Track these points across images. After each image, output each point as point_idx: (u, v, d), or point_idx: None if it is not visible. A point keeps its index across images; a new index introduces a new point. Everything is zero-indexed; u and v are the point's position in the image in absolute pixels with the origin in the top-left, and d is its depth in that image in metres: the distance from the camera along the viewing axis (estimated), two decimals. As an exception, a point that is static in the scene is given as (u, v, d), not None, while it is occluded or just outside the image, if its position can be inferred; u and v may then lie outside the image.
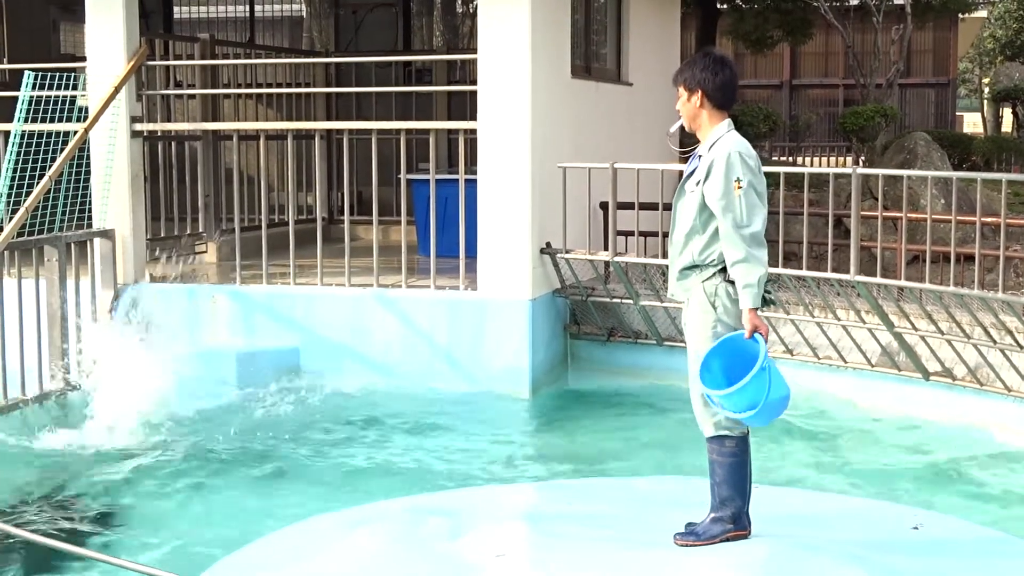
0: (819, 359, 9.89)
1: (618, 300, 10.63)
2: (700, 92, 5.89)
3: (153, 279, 10.99)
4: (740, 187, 5.71)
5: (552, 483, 7.95)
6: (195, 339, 10.44)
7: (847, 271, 9.36)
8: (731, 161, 5.75)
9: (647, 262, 10.56)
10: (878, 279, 9.39)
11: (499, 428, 9.44)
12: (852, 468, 8.41)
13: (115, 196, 10.76)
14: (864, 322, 9.59)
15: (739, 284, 5.73)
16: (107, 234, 10.64)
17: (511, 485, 7.91)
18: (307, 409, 9.66)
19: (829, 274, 9.57)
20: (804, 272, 9.76)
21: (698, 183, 5.85)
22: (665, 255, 11.01)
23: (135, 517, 7.30)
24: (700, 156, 5.93)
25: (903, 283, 9.40)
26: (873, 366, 9.66)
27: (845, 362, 9.77)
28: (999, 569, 5.80)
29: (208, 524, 7.12)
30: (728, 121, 5.94)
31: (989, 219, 9.73)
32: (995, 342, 8.84)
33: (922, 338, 9.32)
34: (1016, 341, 8.74)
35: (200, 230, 12.51)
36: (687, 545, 5.94)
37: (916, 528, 6.37)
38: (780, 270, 9.95)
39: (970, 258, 9.49)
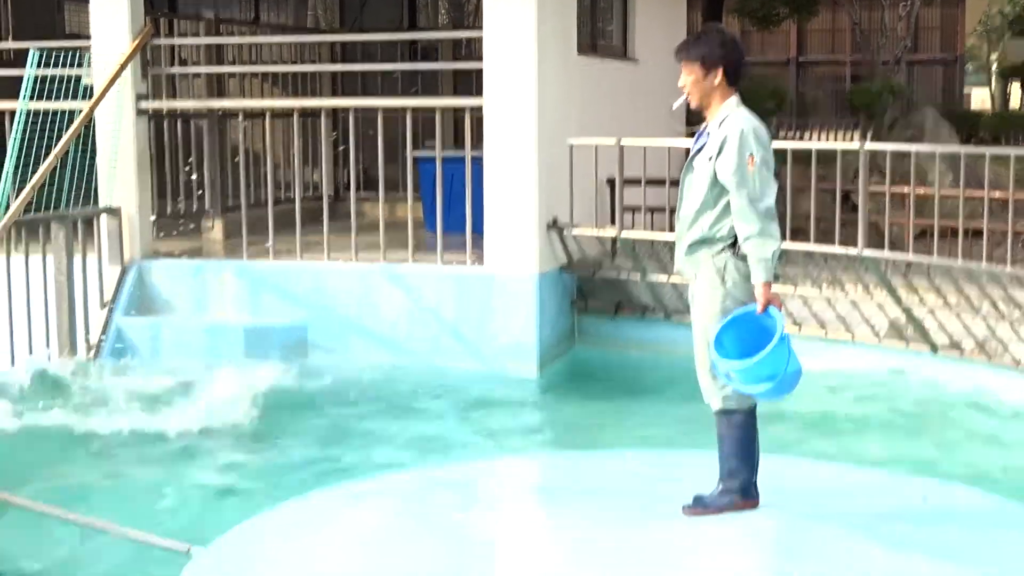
0: (827, 333, 9.87)
1: (625, 275, 10.62)
2: (720, 69, 5.84)
3: (159, 256, 10.98)
4: (754, 162, 5.69)
5: (559, 456, 7.95)
6: (202, 315, 10.44)
7: (855, 246, 9.35)
8: (744, 136, 5.73)
9: (654, 237, 10.54)
10: (886, 253, 9.37)
11: (506, 402, 9.44)
12: (861, 440, 8.40)
13: (121, 174, 10.75)
14: (872, 296, 9.57)
15: (753, 258, 5.71)
16: (114, 212, 10.64)
17: (518, 457, 7.92)
18: (314, 384, 9.65)
19: (837, 248, 9.54)
20: (812, 246, 9.75)
21: (710, 158, 5.82)
22: (672, 230, 11.02)
23: (132, 490, 7.29)
24: (709, 132, 5.90)
25: (911, 257, 9.39)
26: (881, 340, 9.65)
27: (853, 337, 9.76)
28: (1008, 538, 5.80)
29: (215, 498, 7.12)
30: (737, 97, 5.91)
31: (997, 194, 9.70)
32: (1003, 316, 8.83)
33: (930, 312, 9.31)
34: (1025, 314, 8.73)
35: (206, 207, 12.50)
36: (696, 515, 5.94)
37: (924, 499, 6.36)
38: (788, 244, 9.92)
39: (978, 233, 9.46)
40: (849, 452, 8.07)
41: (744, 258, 5.78)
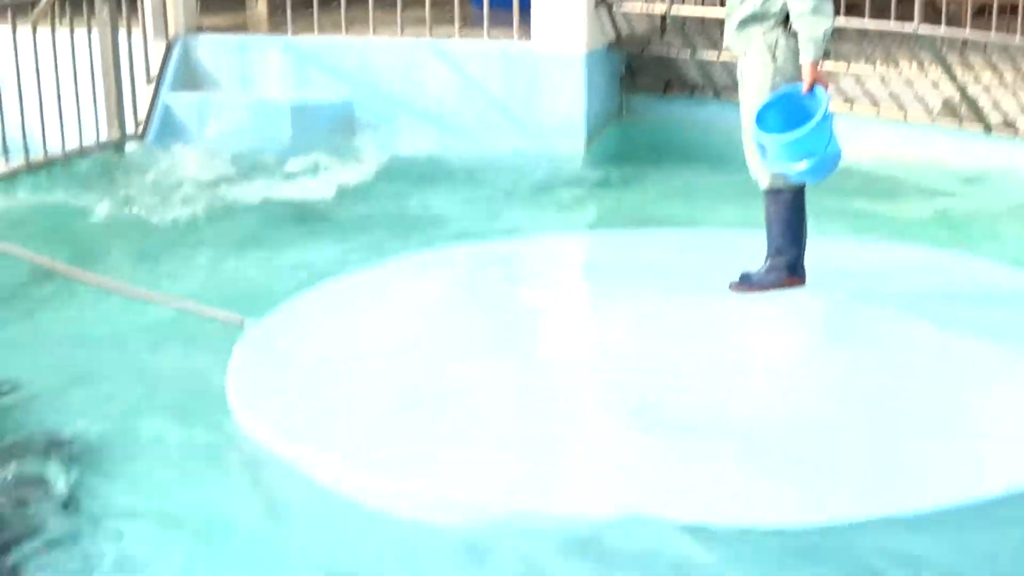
0: (879, 112, 9.73)
1: (675, 53, 10.45)
2: None
3: (203, 30, 10.88)
4: None
5: (607, 233, 7.99)
6: (248, 91, 10.40)
7: (911, 21, 9.13)
8: None
9: (705, 14, 10.31)
10: (942, 30, 9.16)
11: (554, 181, 9.43)
12: (912, 220, 8.36)
13: (164, -55, 10.57)
14: (926, 74, 9.40)
15: (804, 36, 5.62)
16: (157, -15, 10.51)
17: (567, 234, 7.96)
18: (362, 164, 9.67)
19: (892, 24, 9.33)
20: (867, 23, 9.53)
21: None
22: (723, 5, 10.79)
23: (186, 263, 7.40)
24: None
25: (968, 34, 9.18)
26: (934, 119, 9.51)
27: (906, 115, 9.61)
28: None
29: (269, 271, 7.21)
30: None
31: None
32: (1060, 94, 8.68)
33: (985, 90, 9.14)
34: (1082, 93, 8.57)
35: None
36: (742, 291, 5.98)
37: (973, 279, 6.37)
38: (842, 21, 9.71)
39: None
40: (898, 231, 8.05)
41: (796, 35, 5.68)
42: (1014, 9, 9.40)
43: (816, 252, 6.12)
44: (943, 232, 8.02)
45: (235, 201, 8.66)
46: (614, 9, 10.29)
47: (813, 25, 5.60)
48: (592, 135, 10.11)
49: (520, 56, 10.12)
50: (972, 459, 4.40)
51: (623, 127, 10.69)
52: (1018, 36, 8.76)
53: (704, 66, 10.31)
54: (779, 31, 5.76)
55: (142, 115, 10.13)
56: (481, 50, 10.20)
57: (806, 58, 5.63)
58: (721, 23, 10.11)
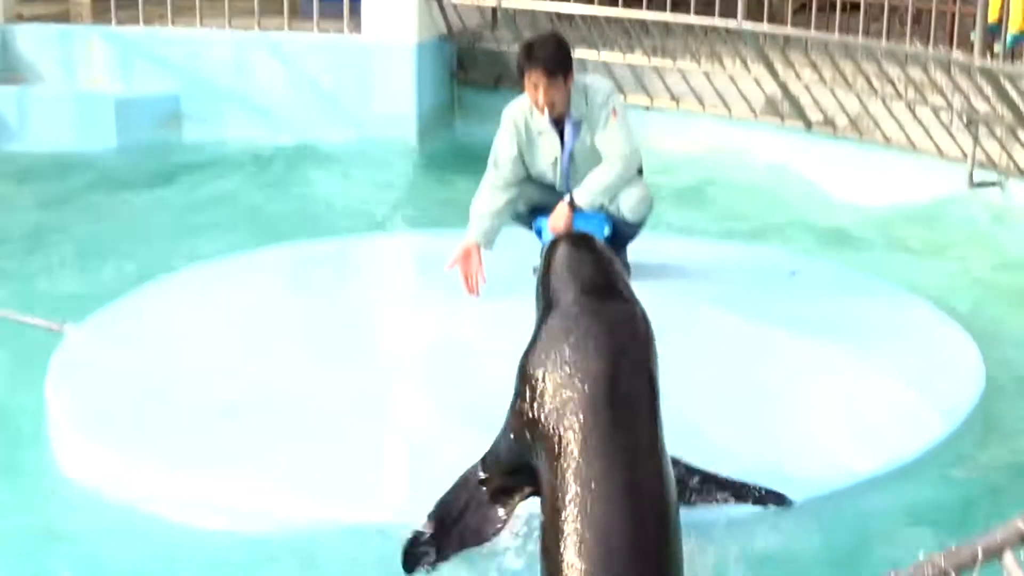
0: (705, 108, 9.92)
1: (505, 47, 10.49)
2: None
3: (23, 19, 10.56)
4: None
5: (437, 232, 7.98)
6: (71, 84, 10.14)
7: (735, 18, 9.34)
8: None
9: (534, 7, 10.39)
10: (765, 27, 9.38)
11: (385, 175, 9.41)
12: (730, 217, 8.56)
13: (-21, -71, 10.23)
14: (750, 71, 9.61)
15: (597, 179, 5.91)
16: (-28, -29, 10.16)
17: (397, 233, 7.95)
18: (188, 157, 9.52)
19: (716, 20, 9.53)
20: (692, 19, 9.72)
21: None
22: (553, 1, 10.88)
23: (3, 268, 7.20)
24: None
25: (789, 31, 9.41)
26: (757, 116, 9.74)
27: (730, 112, 9.83)
28: (871, 312, 6.01)
29: (83, 271, 7.04)
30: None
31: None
32: (876, 91, 8.94)
33: (806, 87, 9.39)
34: (896, 91, 8.85)
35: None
36: None
37: (793, 273, 6.54)
38: (668, 16, 9.89)
39: (856, 6, 9.50)
40: (717, 228, 8.23)
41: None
42: (833, 6, 9.68)
43: (637, 247, 6.21)
44: (769, 230, 8.24)
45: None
46: (444, 1, 10.29)
47: (615, 179, 5.83)
48: (424, 128, 10.11)
49: (350, 48, 10.08)
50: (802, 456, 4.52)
51: (455, 119, 10.71)
52: (836, 33, 9.02)
53: (535, 60, 10.36)
54: None
55: (-42, 107, 9.80)
56: (311, 42, 10.13)
57: (580, 196, 5.85)
58: (551, 16, 10.30)
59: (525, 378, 3.69)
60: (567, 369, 3.59)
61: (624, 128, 5.91)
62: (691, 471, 4.05)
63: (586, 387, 3.54)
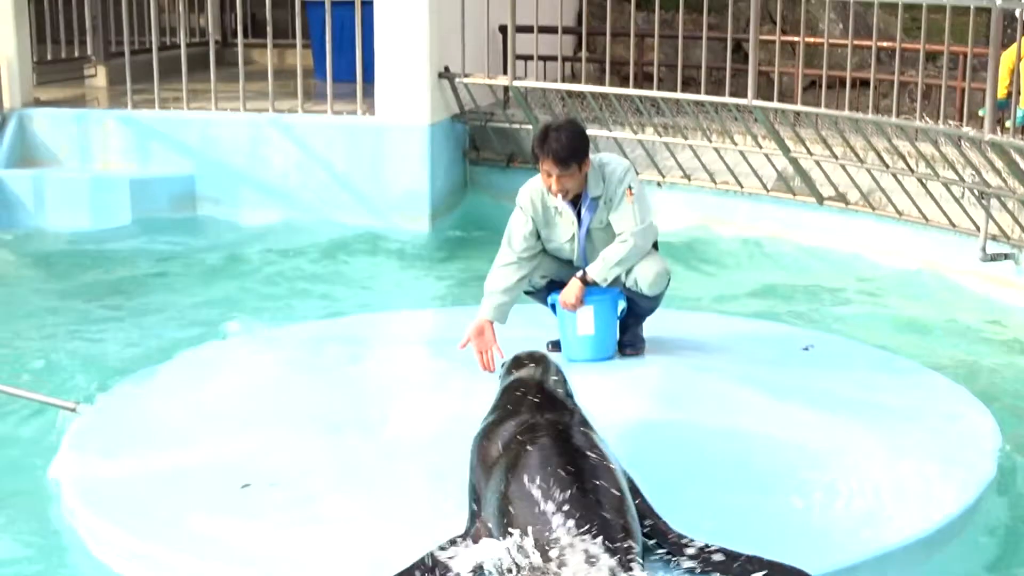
0: (716, 184, 9.97)
1: (517, 125, 10.58)
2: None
3: (41, 103, 10.69)
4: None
5: (451, 311, 7.99)
6: (86, 166, 10.23)
7: (745, 96, 9.40)
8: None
9: (546, 86, 10.50)
10: (775, 104, 9.45)
11: (398, 255, 9.46)
12: (746, 291, 8.56)
13: (-2, 17, 10.38)
14: (761, 147, 9.66)
15: (612, 254, 5.92)
16: (-10, 57, 10.31)
17: (410, 312, 7.94)
18: (203, 237, 9.57)
19: (727, 98, 9.59)
20: (703, 97, 9.79)
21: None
22: (564, 80, 10.98)
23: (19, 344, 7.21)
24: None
25: (799, 107, 9.48)
26: (769, 191, 9.77)
27: (741, 187, 9.87)
28: (885, 385, 5.97)
29: (104, 351, 7.07)
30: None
31: (885, 43, 9.78)
32: (888, 166, 8.97)
33: (817, 163, 9.43)
34: (908, 165, 8.88)
35: (88, 53, 12.15)
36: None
37: (807, 348, 6.51)
38: (679, 95, 9.97)
39: (866, 83, 9.56)
40: (732, 303, 8.23)
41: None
42: (843, 83, 9.74)
43: (653, 322, 6.21)
44: (783, 304, 8.23)
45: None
46: (457, 82, 10.39)
47: (627, 254, 5.85)
48: (437, 208, 10.16)
49: (364, 129, 10.17)
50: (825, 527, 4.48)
51: (467, 199, 10.77)
52: (846, 110, 9.06)
53: (546, 139, 10.43)
54: None
55: (-26, 191, 9.90)
56: (325, 124, 10.21)
57: (592, 271, 5.89)
58: (563, 95, 10.39)
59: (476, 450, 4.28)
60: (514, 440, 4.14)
61: (639, 205, 5.93)
62: (709, 548, 4.03)
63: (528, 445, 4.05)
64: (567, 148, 5.81)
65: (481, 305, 6.02)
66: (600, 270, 5.92)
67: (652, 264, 6.02)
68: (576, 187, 5.91)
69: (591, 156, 5.96)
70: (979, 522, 4.80)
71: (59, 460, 5.16)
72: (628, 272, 5.97)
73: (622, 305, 6.01)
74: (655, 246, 6.16)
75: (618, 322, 6.11)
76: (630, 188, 5.91)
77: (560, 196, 5.90)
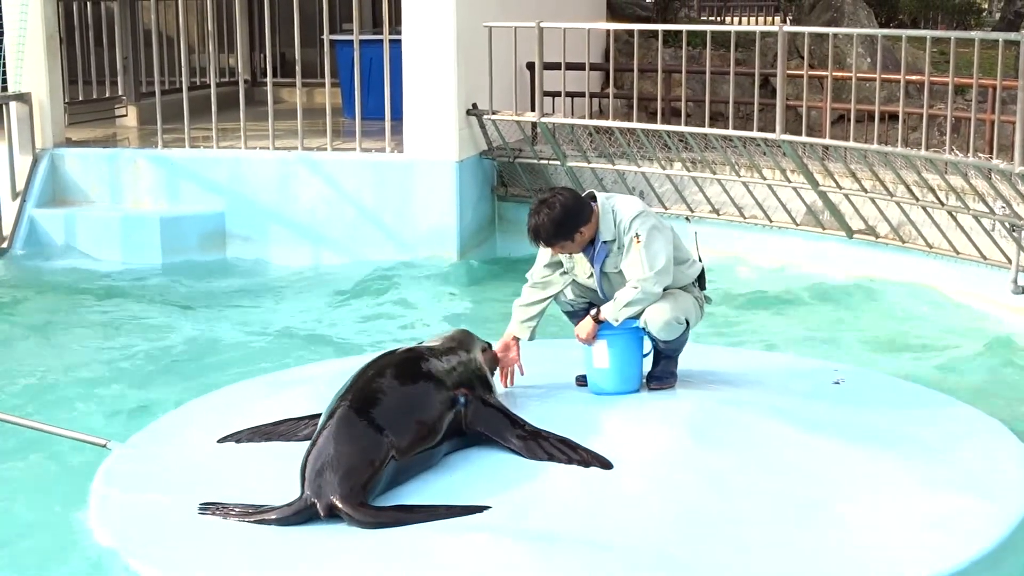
0: (745, 219, 9.96)
1: (545, 161, 10.60)
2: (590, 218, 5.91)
3: (72, 143, 10.79)
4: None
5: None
6: (117, 205, 10.31)
7: (773, 130, 9.40)
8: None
9: (574, 122, 10.52)
10: (803, 138, 9.44)
11: (427, 291, 9.46)
12: (776, 325, 8.53)
13: (30, 58, 10.48)
14: (789, 181, 9.65)
15: (626, 296, 5.93)
16: (23, 97, 10.40)
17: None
18: (234, 275, 9.61)
19: (755, 133, 9.59)
20: (730, 132, 9.79)
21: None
22: (592, 116, 11.01)
23: (52, 385, 7.24)
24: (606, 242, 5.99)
25: (828, 141, 9.46)
26: (798, 225, 9.75)
27: (771, 221, 9.85)
28: (917, 419, 5.94)
29: (129, 386, 7.09)
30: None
31: (913, 77, 9.76)
32: (917, 199, 8.94)
33: (846, 196, 9.41)
34: (938, 198, 8.84)
35: (119, 93, 12.27)
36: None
37: (837, 382, 6.48)
38: (707, 130, 9.97)
39: (894, 117, 9.52)
40: (761, 336, 8.20)
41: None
42: (871, 117, 9.72)
43: (685, 357, 6.20)
44: (812, 337, 8.20)
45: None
46: (485, 118, 10.43)
47: (636, 299, 5.87)
48: (465, 244, 10.18)
49: (392, 166, 10.20)
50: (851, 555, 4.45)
51: (496, 235, 10.78)
52: (875, 143, 9.05)
53: (574, 174, 10.47)
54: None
55: (7, 230, 9.97)
56: (353, 161, 10.26)
57: (605, 310, 5.93)
58: (591, 131, 10.40)
59: None
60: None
61: (647, 252, 5.91)
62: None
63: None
64: (549, 232, 5.89)
65: (509, 323, 6.17)
66: (612, 310, 6.00)
67: (663, 311, 6.00)
68: (578, 246, 5.98)
69: (601, 199, 6.01)
70: (1013, 557, 4.75)
71: (91, 497, 5.17)
72: (637, 315, 5.99)
73: (646, 340, 6.03)
74: (700, 279, 6.15)
75: (643, 357, 6.11)
76: (637, 236, 5.92)
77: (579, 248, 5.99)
